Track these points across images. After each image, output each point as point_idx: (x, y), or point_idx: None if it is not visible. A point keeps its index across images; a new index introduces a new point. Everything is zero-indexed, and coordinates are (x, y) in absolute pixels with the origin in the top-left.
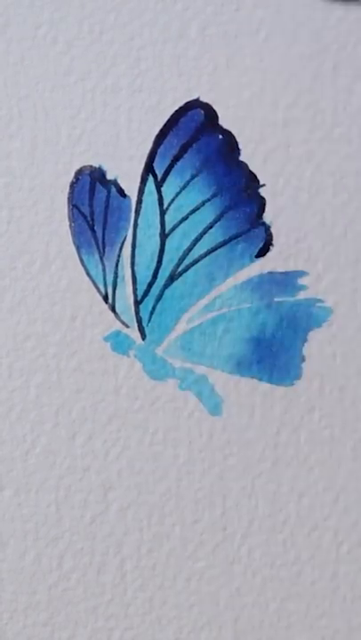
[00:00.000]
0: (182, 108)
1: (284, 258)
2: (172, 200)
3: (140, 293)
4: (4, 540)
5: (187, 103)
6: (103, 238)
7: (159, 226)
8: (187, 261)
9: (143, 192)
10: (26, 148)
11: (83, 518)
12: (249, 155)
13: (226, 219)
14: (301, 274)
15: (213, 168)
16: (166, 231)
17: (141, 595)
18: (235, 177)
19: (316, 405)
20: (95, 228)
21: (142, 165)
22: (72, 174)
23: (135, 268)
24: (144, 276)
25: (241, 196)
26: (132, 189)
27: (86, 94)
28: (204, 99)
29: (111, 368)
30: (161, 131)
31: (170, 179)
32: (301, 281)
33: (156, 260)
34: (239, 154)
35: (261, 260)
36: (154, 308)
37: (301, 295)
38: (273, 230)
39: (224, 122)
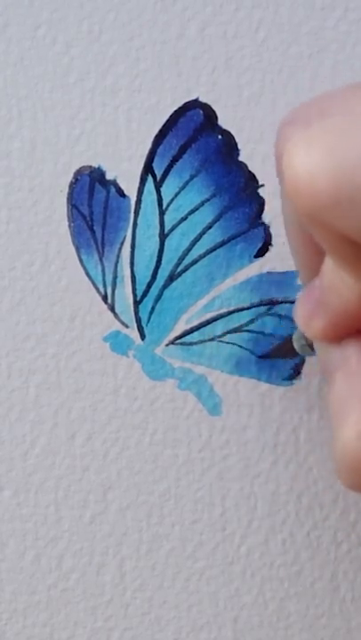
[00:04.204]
0: (181, 109)
1: (283, 258)
2: (172, 200)
3: (139, 293)
4: (4, 540)
5: (186, 103)
6: (102, 238)
7: (158, 226)
8: (186, 261)
9: (142, 192)
10: (25, 147)
11: (82, 518)
12: (248, 155)
13: (225, 219)
14: None
15: (213, 168)
16: (165, 231)
17: (141, 595)
18: (234, 177)
19: (316, 405)
20: (94, 228)
21: (141, 165)
22: (71, 174)
23: (134, 268)
24: (143, 276)
25: (240, 196)
26: (131, 189)
27: (85, 94)
28: (203, 99)
29: (110, 368)
30: (160, 131)
31: (169, 179)
32: (300, 281)
33: (155, 260)
34: (238, 154)
35: (261, 259)
36: (153, 308)
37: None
38: (272, 230)
39: (223, 122)
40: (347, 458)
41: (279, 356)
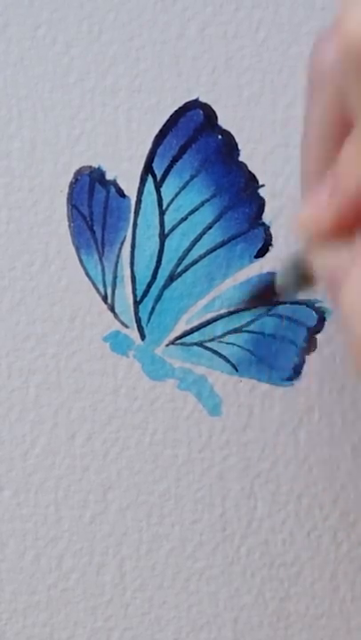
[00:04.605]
0: (181, 109)
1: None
2: (172, 200)
3: (139, 294)
4: (4, 540)
5: (186, 103)
6: (102, 238)
7: (158, 226)
8: (186, 262)
9: (142, 192)
10: (25, 148)
11: (82, 518)
12: (248, 155)
13: (225, 219)
14: None
15: (213, 168)
16: (165, 231)
17: (141, 595)
18: (234, 177)
19: (316, 405)
20: (94, 228)
21: (141, 166)
22: (71, 174)
23: (134, 268)
24: (143, 276)
25: (240, 196)
26: (131, 190)
27: (85, 94)
28: (203, 99)
29: (110, 368)
30: (160, 131)
31: (169, 179)
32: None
33: (155, 260)
34: (238, 154)
35: (261, 260)
36: (153, 309)
37: (300, 295)
38: (272, 230)
39: (223, 122)
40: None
41: (259, 303)
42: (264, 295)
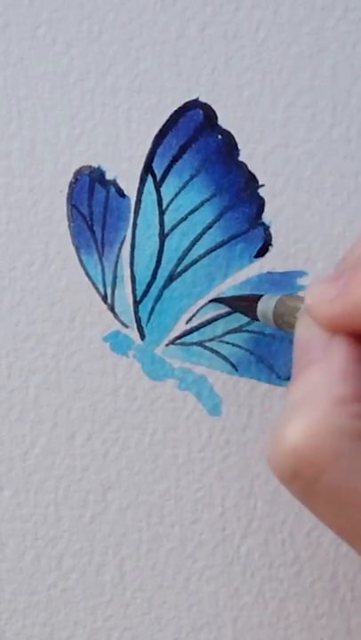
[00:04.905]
0: (181, 109)
1: (283, 258)
2: (172, 200)
3: (139, 293)
4: (4, 540)
5: (186, 103)
6: (102, 238)
7: (158, 226)
8: (186, 261)
9: (142, 192)
10: (25, 147)
11: (82, 518)
12: (248, 155)
13: (225, 219)
14: (300, 274)
15: (212, 168)
16: (165, 231)
17: (140, 595)
18: (234, 177)
19: None
20: (94, 228)
21: (141, 165)
22: (71, 174)
23: (134, 268)
24: (143, 276)
25: (240, 196)
26: (131, 189)
27: (85, 94)
28: (203, 99)
29: (110, 368)
30: (160, 131)
31: (169, 179)
32: (300, 281)
33: (155, 260)
34: (238, 154)
35: (260, 260)
36: (153, 309)
37: (300, 295)
38: (272, 230)
39: (223, 122)
40: (288, 459)
41: (234, 308)
42: (247, 303)
